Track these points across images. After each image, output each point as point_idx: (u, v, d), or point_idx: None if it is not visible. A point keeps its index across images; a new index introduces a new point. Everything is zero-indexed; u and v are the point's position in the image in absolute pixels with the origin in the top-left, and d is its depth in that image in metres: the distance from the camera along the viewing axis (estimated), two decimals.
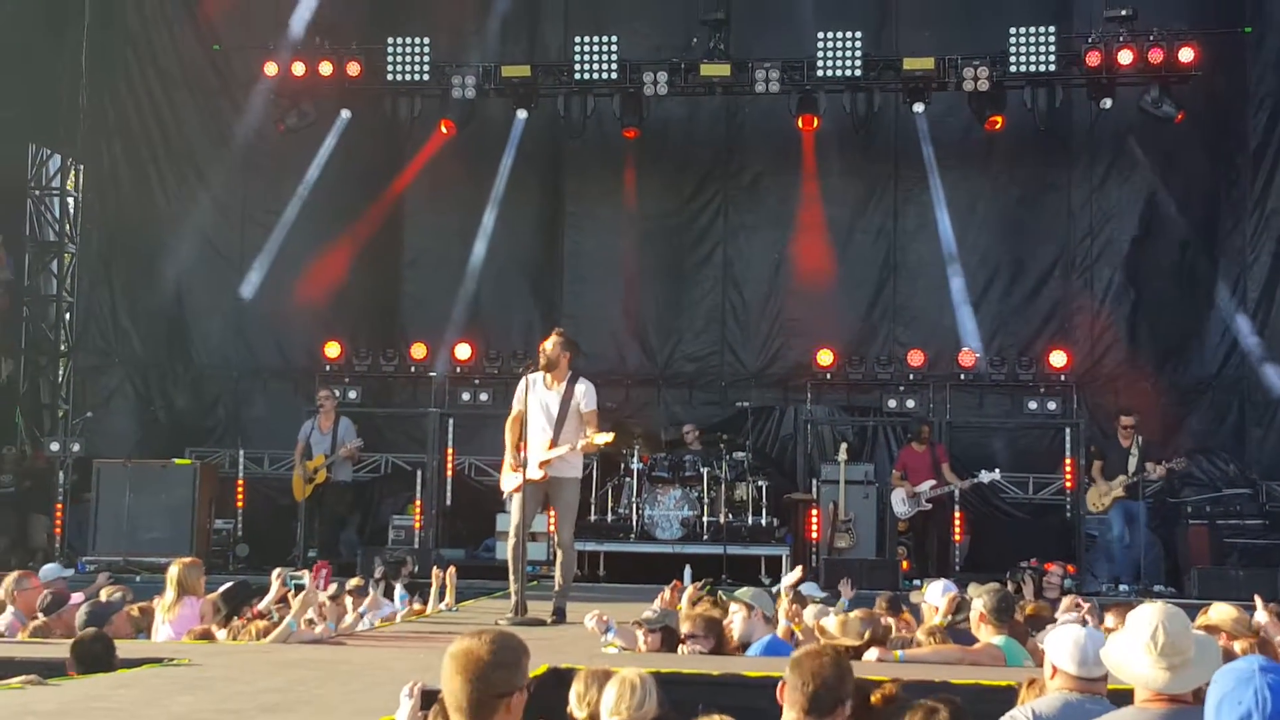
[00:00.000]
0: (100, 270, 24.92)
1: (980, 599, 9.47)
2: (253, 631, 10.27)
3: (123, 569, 19.23)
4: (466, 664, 4.99)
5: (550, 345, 12.91)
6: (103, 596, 11.44)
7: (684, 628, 9.25)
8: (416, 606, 14.22)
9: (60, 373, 25.65)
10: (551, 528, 15.16)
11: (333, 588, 12.76)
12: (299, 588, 11.38)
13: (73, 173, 25.86)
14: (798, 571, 12.72)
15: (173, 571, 11.21)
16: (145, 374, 24.61)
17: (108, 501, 20.37)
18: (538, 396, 12.81)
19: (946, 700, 6.21)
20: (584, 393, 12.89)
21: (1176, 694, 5.44)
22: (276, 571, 11.89)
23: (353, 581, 13.98)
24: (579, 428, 12.78)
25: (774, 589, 12.13)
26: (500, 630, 4.80)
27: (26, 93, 23.32)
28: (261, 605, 11.27)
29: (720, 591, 11.28)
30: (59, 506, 21.17)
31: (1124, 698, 5.76)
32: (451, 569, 14.75)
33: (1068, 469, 21.11)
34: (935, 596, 11.24)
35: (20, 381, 24.93)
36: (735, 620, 9.34)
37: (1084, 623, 10.07)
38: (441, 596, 14.38)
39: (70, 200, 25.86)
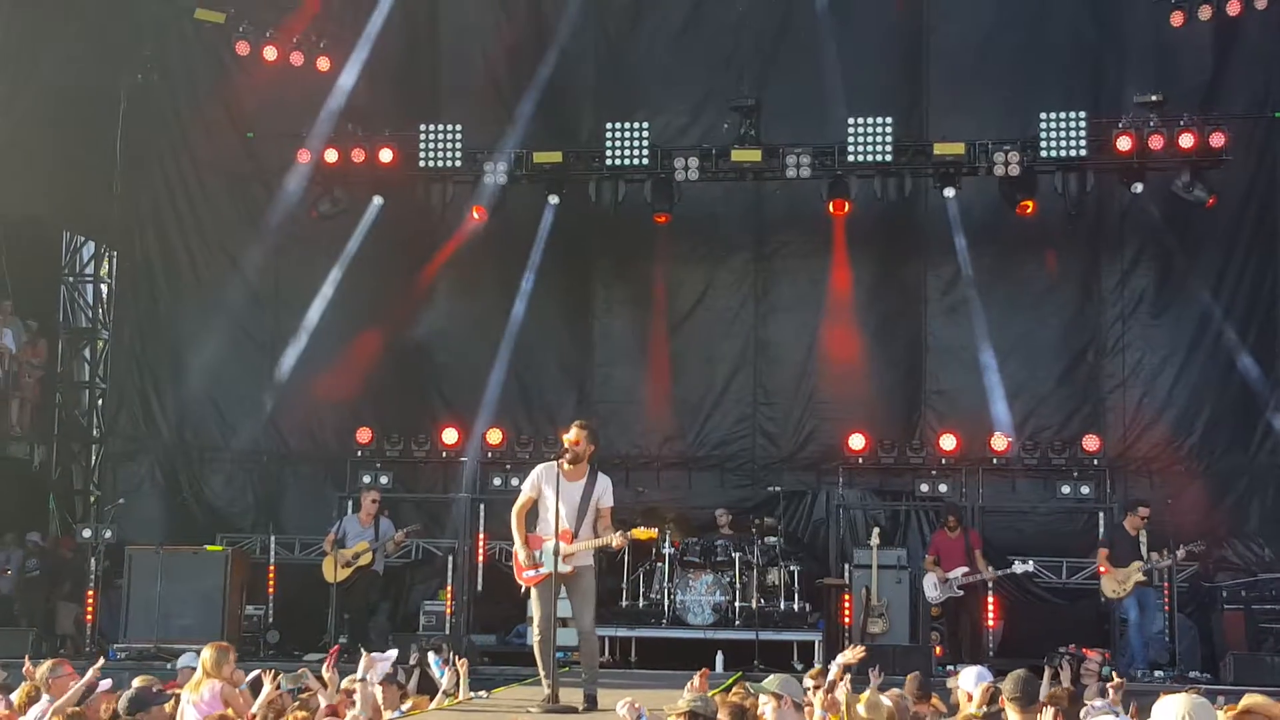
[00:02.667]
0: (132, 357, 25.04)
1: (1003, 686, 9.39)
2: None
3: (154, 656, 19.22)
4: None
5: (583, 438, 12.78)
6: (135, 684, 11.38)
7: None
8: (450, 691, 14.08)
9: (92, 459, 25.72)
10: None
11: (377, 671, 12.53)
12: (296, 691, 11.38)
13: (106, 259, 26.04)
14: (859, 651, 12.46)
15: (204, 654, 11.23)
16: (176, 460, 24.67)
17: (139, 588, 20.35)
18: (555, 488, 12.68)
19: None
20: (605, 488, 12.78)
21: None
22: (270, 674, 11.59)
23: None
24: (596, 522, 12.72)
25: (830, 665, 11.80)
26: None
27: (61, 180, 23.45)
28: (254, 709, 11.12)
29: (747, 683, 11.16)
30: (90, 593, 21.12)
31: None
32: (462, 661, 14.47)
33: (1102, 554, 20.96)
34: (969, 684, 11.16)
35: (52, 468, 25.01)
36: (766, 711, 9.23)
37: (1115, 711, 10.00)
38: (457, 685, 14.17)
39: (104, 287, 26.02)
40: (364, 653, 12.16)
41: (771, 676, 9.51)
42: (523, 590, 13.66)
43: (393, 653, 13.49)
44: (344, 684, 11.88)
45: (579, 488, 12.63)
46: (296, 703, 11.21)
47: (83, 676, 11.52)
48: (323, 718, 10.89)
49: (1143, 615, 19.76)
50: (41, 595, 22.19)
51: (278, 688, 11.27)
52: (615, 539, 12.56)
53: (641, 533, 12.77)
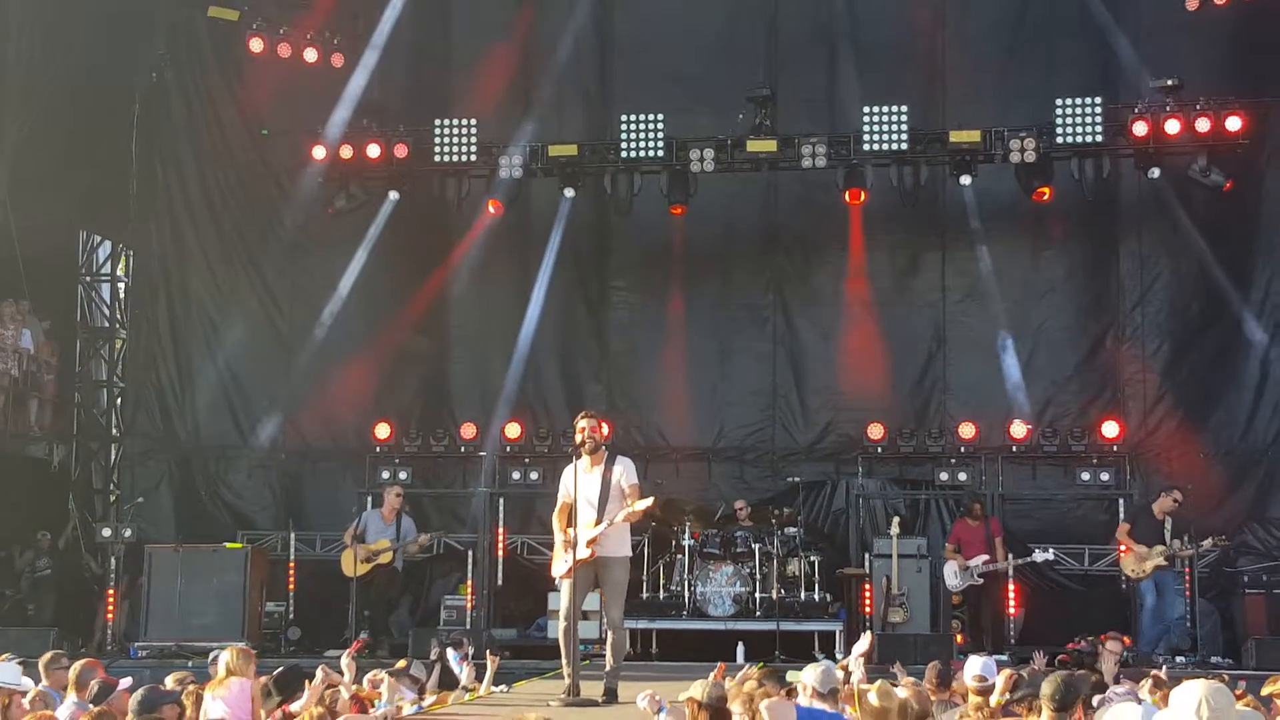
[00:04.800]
0: (150, 355, 25.04)
1: (1043, 684, 9.31)
2: (308, 717, 10.23)
3: (175, 654, 19.24)
4: None
5: (599, 425, 12.96)
6: (168, 682, 11.40)
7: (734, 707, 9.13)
8: (471, 686, 14.12)
9: (111, 458, 25.74)
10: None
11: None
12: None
13: (123, 259, 26.04)
14: (866, 639, 12.63)
15: (225, 656, 11.24)
16: (194, 459, 24.65)
17: (159, 587, 20.34)
18: (579, 482, 12.80)
19: None
20: (625, 468, 12.93)
21: None
22: (319, 678, 11.54)
23: (399, 664, 13.88)
24: (623, 504, 12.77)
25: (842, 659, 11.94)
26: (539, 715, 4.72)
27: (77, 180, 23.46)
28: (295, 706, 11.14)
29: (787, 672, 11.18)
30: (111, 593, 21.15)
31: None
32: (494, 659, 14.55)
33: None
34: (971, 674, 11.13)
35: (72, 467, 25.04)
36: (801, 700, 9.23)
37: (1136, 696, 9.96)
38: (477, 680, 14.23)
39: (120, 286, 26.03)
40: (387, 679, 12.16)
41: (809, 666, 9.54)
42: (556, 583, 13.67)
43: (411, 694, 13.44)
44: (368, 677, 11.94)
45: (597, 476, 12.79)
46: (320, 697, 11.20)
47: (108, 676, 11.55)
48: (348, 709, 10.90)
49: (1160, 600, 19.71)
50: (53, 595, 22.17)
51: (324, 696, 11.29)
52: (620, 515, 12.64)
53: (640, 504, 12.74)
